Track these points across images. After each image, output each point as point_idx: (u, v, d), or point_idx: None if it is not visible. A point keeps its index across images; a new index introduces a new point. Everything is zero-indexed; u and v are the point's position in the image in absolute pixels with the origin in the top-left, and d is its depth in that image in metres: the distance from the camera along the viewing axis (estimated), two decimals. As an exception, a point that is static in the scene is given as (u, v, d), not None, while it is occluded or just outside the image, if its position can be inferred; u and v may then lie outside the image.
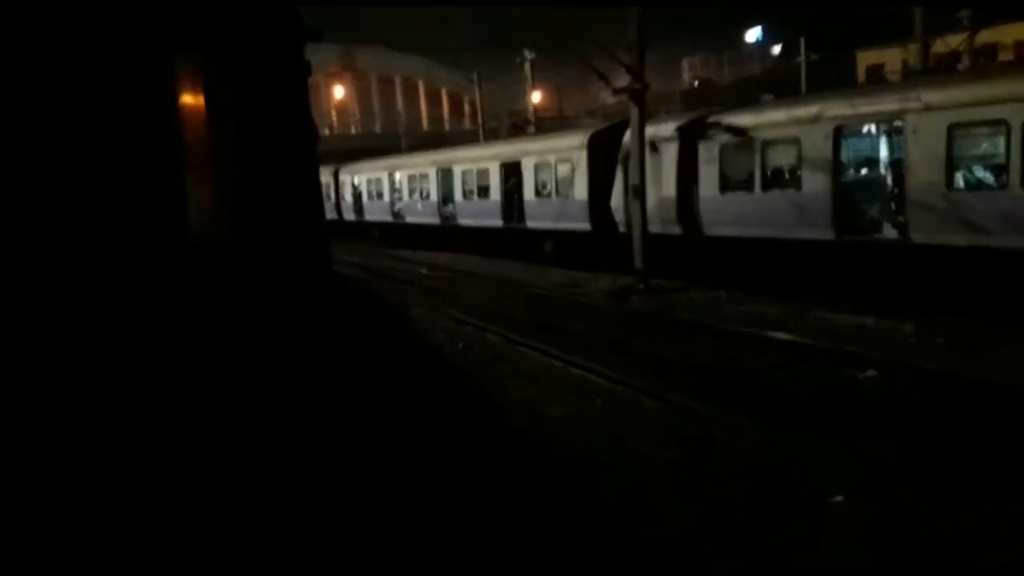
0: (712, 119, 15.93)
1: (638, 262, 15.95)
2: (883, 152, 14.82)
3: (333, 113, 64.20)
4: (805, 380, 9.08)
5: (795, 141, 14.02)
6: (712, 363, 10.04)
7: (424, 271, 21.86)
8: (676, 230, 16.69)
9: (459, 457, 6.83)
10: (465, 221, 25.08)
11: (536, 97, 55.83)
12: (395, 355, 10.91)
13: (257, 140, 5.80)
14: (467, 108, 75.24)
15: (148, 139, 2.81)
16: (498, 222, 23.01)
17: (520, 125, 28.00)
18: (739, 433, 7.24)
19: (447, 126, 69.85)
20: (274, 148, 6.16)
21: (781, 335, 10.99)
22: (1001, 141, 11.31)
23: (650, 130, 16.50)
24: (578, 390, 9.11)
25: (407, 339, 11.89)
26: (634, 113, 15.76)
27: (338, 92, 64.20)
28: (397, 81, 67.62)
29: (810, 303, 13.00)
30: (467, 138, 35.75)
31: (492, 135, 32.65)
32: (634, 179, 15.88)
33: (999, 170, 11.49)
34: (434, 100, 71.12)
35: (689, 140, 16.22)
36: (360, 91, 67.09)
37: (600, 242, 18.86)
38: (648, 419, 7.91)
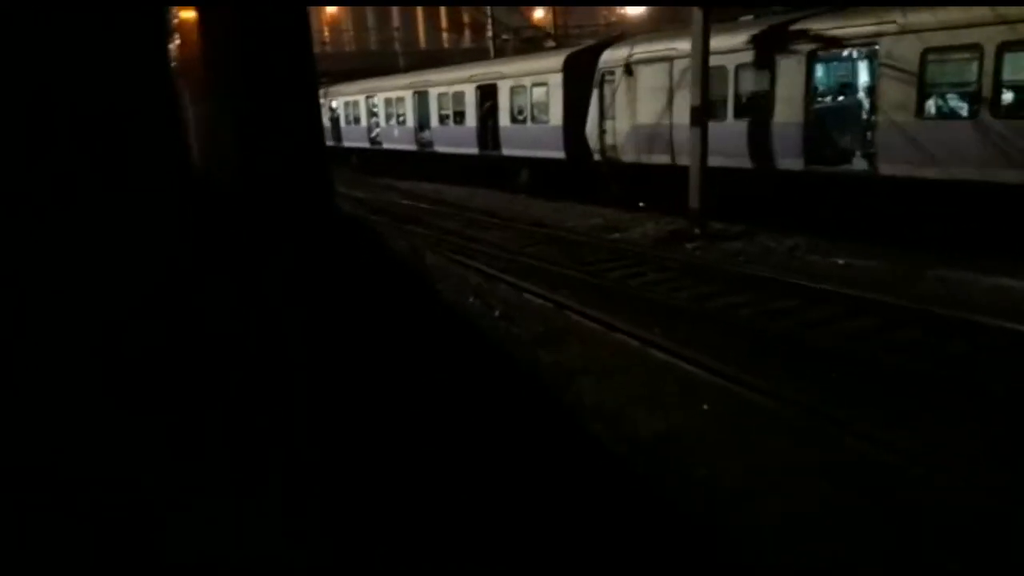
0: (689, 42, 14.21)
1: (694, 201, 13.43)
2: (858, 79, 14.11)
3: (325, 30, 60.11)
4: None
5: (766, 66, 13.21)
6: (843, 345, 7.67)
7: (426, 205, 19.23)
8: (650, 159, 15.86)
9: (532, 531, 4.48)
10: (442, 148, 23.90)
11: (539, 13, 52.08)
12: (419, 328, 8.50)
13: (258, 60, 5.44)
14: (467, 22, 71.12)
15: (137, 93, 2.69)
16: (474, 149, 21.96)
17: (538, 40, 24.90)
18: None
19: (445, 43, 65.92)
20: (275, 67, 5.59)
21: (927, 307, 8.43)
22: (974, 67, 10.58)
23: (623, 52, 16.06)
24: (670, 387, 6.75)
25: (430, 305, 9.47)
26: (697, 16, 12.96)
27: (330, 7, 60.02)
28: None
29: (911, 255, 10.64)
30: (469, 57, 33.21)
31: (501, 54, 29.48)
32: (695, 100, 13.20)
33: (972, 98, 10.84)
34: (432, 14, 66.74)
35: (664, 63, 15.17)
36: (356, 12, 62.71)
37: (575, 171, 18.18)
38: (799, 442, 5.56)
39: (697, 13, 12.95)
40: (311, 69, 6.74)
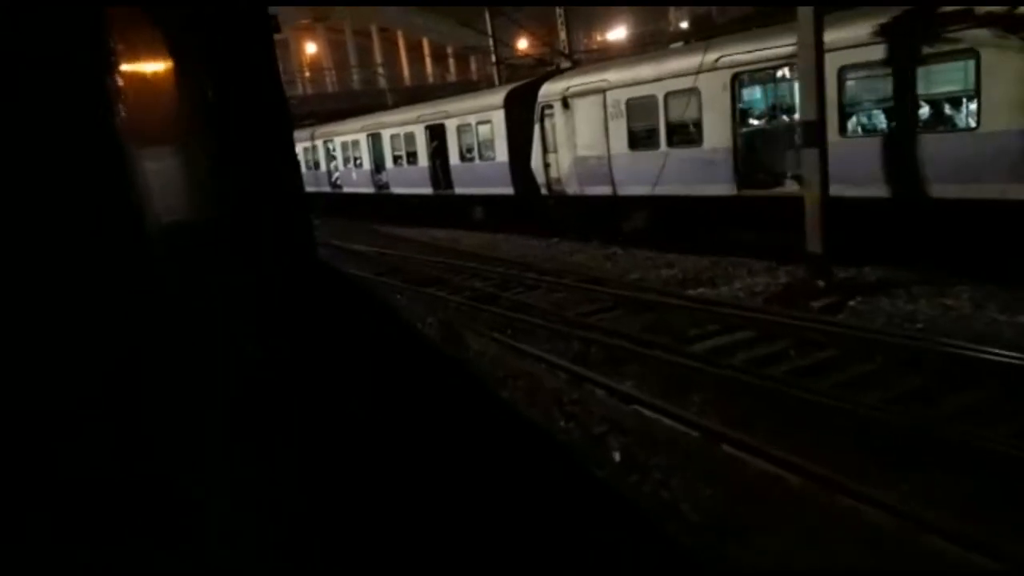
0: (620, 72, 14.98)
1: (814, 243, 10.16)
2: (781, 100, 13.63)
3: (306, 71, 57.27)
4: None
5: (694, 92, 13.04)
6: None
7: (439, 259, 15.85)
8: (592, 191, 15.82)
9: None
10: (398, 189, 24.12)
11: (523, 43, 49.26)
12: (501, 497, 5.08)
13: (231, 107, 5.08)
14: (451, 58, 68.60)
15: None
16: (428, 189, 22.12)
17: (548, 63, 22.05)
18: None
19: (431, 78, 63.20)
20: (249, 115, 5.13)
21: None
22: (891, 83, 10.26)
23: (561, 85, 16.33)
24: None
25: (502, 440, 6.07)
26: (807, 24, 9.80)
27: (310, 47, 57.29)
28: (374, 32, 60.46)
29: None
30: (456, 90, 31.41)
31: (501, 81, 26.63)
32: (809, 114, 9.98)
33: (891, 113, 10.57)
34: (414, 47, 64.09)
35: (599, 95, 15.19)
36: (334, 45, 59.96)
37: (524, 207, 18.27)
38: None
39: (806, 12, 9.80)
40: (284, 109, 5.94)
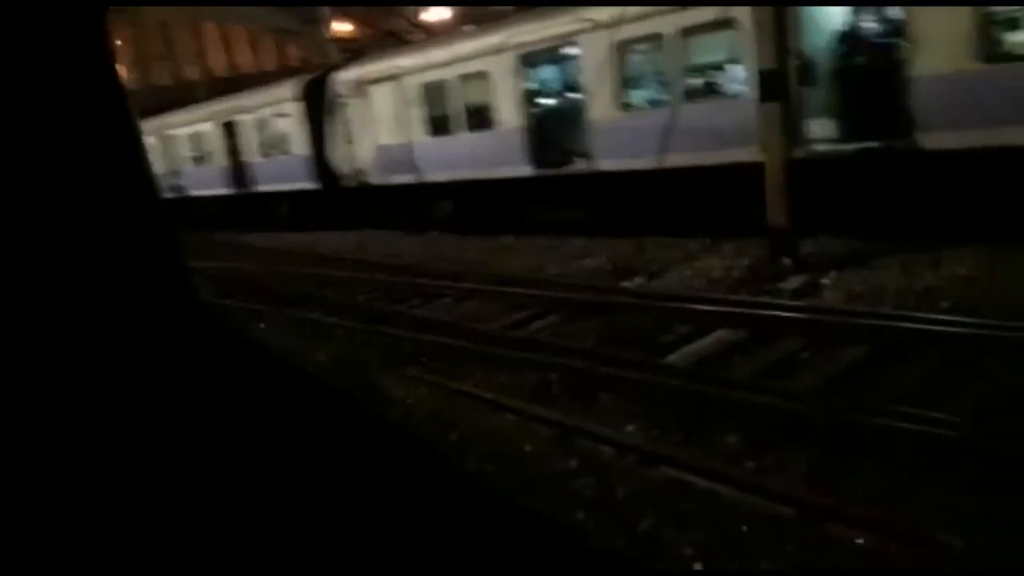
0: (414, 57, 14.94)
1: (777, 216, 8.60)
2: (568, 79, 13.67)
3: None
4: None
5: (485, 75, 13.19)
6: None
7: (300, 269, 13.14)
8: (397, 179, 15.65)
9: None
10: (196, 191, 23.11)
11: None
12: None
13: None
14: (274, 49, 63.72)
15: None
16: (228, 189, 21.35)
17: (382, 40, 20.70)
18: None
19: (246, 68, 58.24)
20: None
21: None
22: (660, 57, 10.87)
23: (357, 72, 15.99)
24: None
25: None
26: None
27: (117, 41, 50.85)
28: (182, 22, 54.63)
29: None
30: (278, 79, 28.99)
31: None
32: (768, 62, 8.35)
33: (664, 86, 11.13)
34: (230, 39, 58.70)
35: (395, 81, 15.09)
36: (136, 40, 53.62)
37: (330, 200, 18.01)
38: None
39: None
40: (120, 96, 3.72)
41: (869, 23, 9.68)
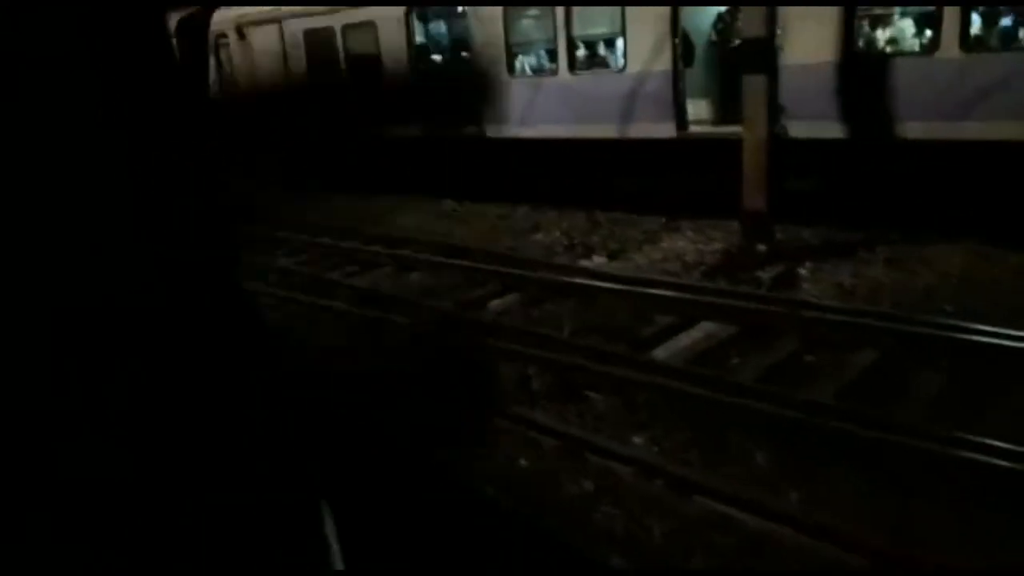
0: None
1: (755, 200, 8.04)
2: (463, 37, 12.42)
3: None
4: None
5: (372, 25, 12.33)
6: None
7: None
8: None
9: None
10: None
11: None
12: None
13: None
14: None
15: None
16: None
17: None
18: None
19: None
20: None
21: None
22: (549, 21, 10.34)
23: (236, 12, 14.58)
24: None
25: None
26: None
27: None
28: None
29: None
30: None
31: None
32: (754, 29, 7.68)
33: (552, 55, 10.67)
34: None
35: (275, 25, 13.95)
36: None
37: None
38: None
39: None
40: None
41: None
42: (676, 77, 9.48)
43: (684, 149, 9.58)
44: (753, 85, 7.69)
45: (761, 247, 7.99)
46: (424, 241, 9.65)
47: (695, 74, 10.01)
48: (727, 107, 9.65)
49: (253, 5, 14.11)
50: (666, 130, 9.63)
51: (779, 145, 8.52)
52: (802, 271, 7.70)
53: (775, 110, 8.69)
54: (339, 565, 1.24)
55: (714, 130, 9.81)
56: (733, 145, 9.05)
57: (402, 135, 12.49)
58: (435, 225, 10.92)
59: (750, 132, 7.83)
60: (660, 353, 6.07)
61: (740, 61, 8.11)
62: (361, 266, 9.06)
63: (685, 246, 8.63)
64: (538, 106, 10.70)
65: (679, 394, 5.21)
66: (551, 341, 6.28)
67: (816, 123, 8.57)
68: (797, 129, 8.69)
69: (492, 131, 11.51)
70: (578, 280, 7.77)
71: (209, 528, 1.26)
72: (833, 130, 8.52)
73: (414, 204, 12.21)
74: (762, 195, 7.90)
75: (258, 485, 1.29)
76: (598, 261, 8.63)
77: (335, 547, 1.32)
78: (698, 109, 10.15)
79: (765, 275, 7.60)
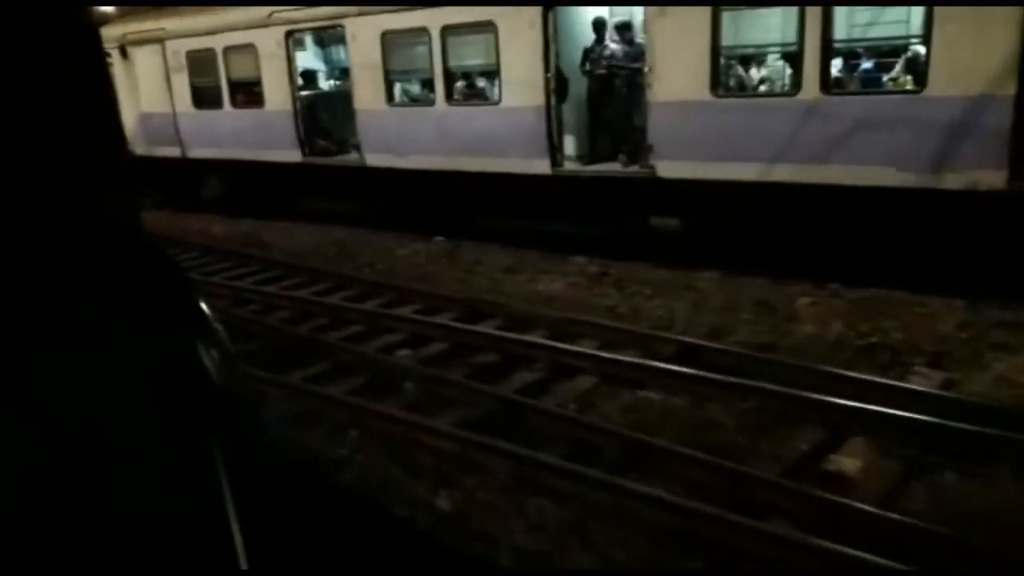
0: (180, 20, 13.33)
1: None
2: (341, 63, 13.15)
3: None
4: None
5: (252, 48, 12.22)
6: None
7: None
8: (161, 152, 14.13)
9: None
10: None
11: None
12: None
13: None
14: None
15: None
16: None
17: None
18: None
19: None
20: None
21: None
22: (426, 49, 10.15)
23: (119, 30, 14.25)
24: None
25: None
26: None
27: None
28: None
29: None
30: None
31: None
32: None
33: (428, 86, 10.67)
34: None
35: (158, 45, 13.83)
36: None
37: None
38: None
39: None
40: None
41: (615, 44, 9.52)
42: (549, 113, 9.27)
43: (559, 186, 9.41)
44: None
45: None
46: (432, 292, 8.44)
47: (569, 110, 9.73)
48: (602, 144, 9.53)
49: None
50: (541, 166, 9.43)
51: (647, 184, 8.39)
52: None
53: (644, 148, 8.59)
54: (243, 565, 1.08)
55: (584, 168, 9.63)
56: (608, 183, 8.99)
57: (282, 160, 12.33)
58: (442, 270, 9.61)
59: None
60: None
61: (598, 97, 8.00)
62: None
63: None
64: (415, 136, 10.57)
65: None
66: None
67: (683, 163, 8.44)
68: (665, 169, 8.57)
69: (375, 160, 11.32)
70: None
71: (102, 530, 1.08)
72: (700, 170, 8.39)
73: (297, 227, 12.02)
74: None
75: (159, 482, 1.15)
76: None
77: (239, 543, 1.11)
78: (575, 145, 9.94)
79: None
